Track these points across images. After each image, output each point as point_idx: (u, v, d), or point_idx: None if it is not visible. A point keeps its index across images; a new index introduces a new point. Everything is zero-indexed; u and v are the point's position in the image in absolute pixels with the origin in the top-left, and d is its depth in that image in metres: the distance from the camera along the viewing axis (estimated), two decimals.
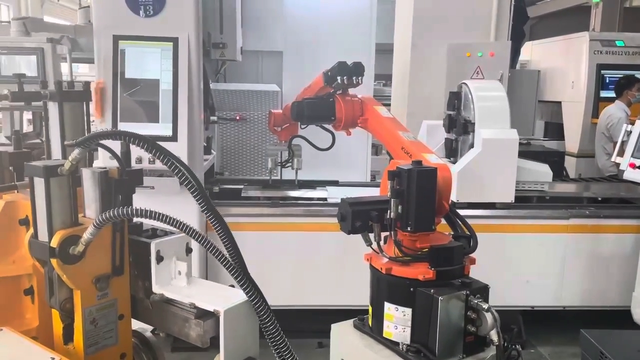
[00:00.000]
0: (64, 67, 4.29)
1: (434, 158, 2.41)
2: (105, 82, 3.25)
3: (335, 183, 4.61)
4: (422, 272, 1.96)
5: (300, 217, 3.79)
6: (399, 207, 1.95)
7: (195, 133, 3.44)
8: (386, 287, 2.08)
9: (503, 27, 4.74)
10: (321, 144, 3.86)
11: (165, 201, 2.76)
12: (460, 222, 2.25)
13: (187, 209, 2.81)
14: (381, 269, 2.02)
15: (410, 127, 4.48)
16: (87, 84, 1.58)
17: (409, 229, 1.96)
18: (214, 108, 4.57)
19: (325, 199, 4.02)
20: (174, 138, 3.31)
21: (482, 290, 1.99)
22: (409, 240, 2.01)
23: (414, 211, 1.95)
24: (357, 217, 2.00)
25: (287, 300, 3.68)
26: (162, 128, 3.32)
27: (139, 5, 3.28)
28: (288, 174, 4.17)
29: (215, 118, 4.49)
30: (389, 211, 1.95)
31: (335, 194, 4.04)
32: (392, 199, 1.94)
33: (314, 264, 3.77)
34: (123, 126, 3.22)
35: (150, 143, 1.33)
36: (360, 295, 2.43)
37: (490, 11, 4.75)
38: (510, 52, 4.51)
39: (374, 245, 2.03)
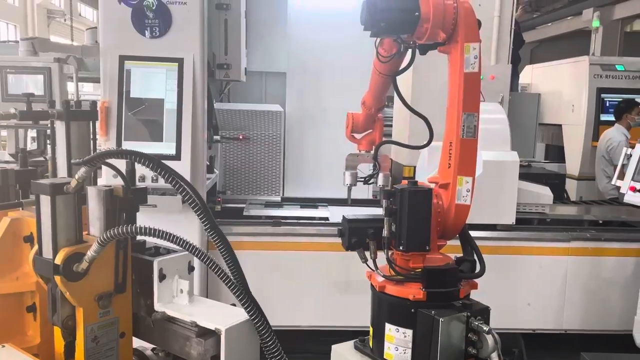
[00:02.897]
0: (70, 86, 4.36)
1: (468, 185, 2.09)
2: (110, 101, 3.29)
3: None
4: (413, 292, 1.96)
5: (302, 236, 3.80)
6: (392, 226, 1.96)
7: (199, 152, 3.47)
8: (387, 308, 2.08)
9: (503, 50, 4.80)
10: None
11: (167, 219, 2.78)
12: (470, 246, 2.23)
13: (189, 227, 2.84)
14: (376, 286, 2.03)
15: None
16: (94, 104, 1.61)
17: (401, 248, 1.98)
18: (217, 127, 4.62)
19: (327, 219, 4.03)
20: (177, 157, 3.34)
21: (483, 312, 1.99)
22: (402, 259, 2.02)
23: (406, 231, 1.96)
24: (354, 234, 2.03)
25: (288, 321, 3.67)
26: (165, 147, 3.35)
27: (145, 26, 3.34)
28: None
29: (218, 137, 4.54)
30: (383, 229, 1.97)
31: (337, 213, 4.05)
32: (386, 218, 1.96)
33: (315, 284, 3.76)
34: (127, 145, 3.26)
35: (155, 162, 1.36)
36: (361, 316, 2.43)
37: (491, 35, 4.81)
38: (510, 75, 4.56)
39: (370, 262, 2.05)
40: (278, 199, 4.62)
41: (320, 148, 4.90)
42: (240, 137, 4.85)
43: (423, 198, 1.99)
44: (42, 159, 4.71)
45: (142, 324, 1.54)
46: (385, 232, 1.96)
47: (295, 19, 4.99)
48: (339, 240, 3.92)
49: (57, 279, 1.31)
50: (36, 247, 1.38)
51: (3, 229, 1.51)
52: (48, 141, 4.30)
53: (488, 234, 3.67)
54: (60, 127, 1.56)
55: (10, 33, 18.72)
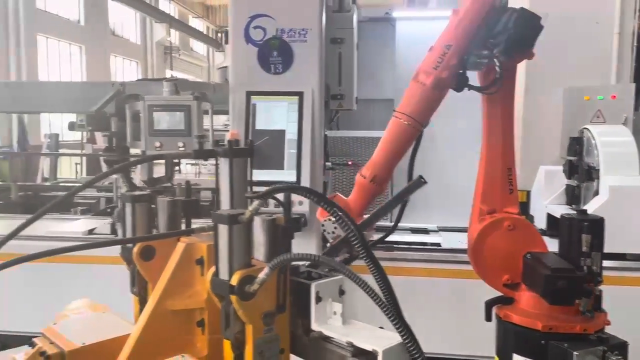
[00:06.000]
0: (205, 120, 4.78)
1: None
2: (238, 133, 3.59)
3: None
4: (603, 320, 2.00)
5: (415, 262, 3.83)
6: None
7: (317, 179, 3.66)
8: (514, 338, 2.08)
9: (625, 68, 4.61)
10: None
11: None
12: None
13: (307, 249, 2.97)
14: (501, 315, 2.01)
15: (524, 171, 4.42)
16: (251, 143, 1.81)
17: (599, 279, 1.96)
18: (327, 154, 4.82)
19: (439, 244, 4.04)
20: (297, 184, 3.55)
21: (621, 347, 1.91)
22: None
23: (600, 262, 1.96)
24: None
25: None
26: (286, 174, 3.58)
27: (269, 64, 3.62)
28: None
29: (329, 164, 4.73)
30: (589, 267, 1.93)
31: (449, 240, 4.06)
32: (594, 253, 1.93)
33: (429, 311, 3.77)
34: (253, 173, 3.51)
35: (315, 194, 1.53)
36: (483, 345, 2.42)
37: (610, 53, 4.63)
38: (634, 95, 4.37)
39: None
40: (388, 223, 4.70)
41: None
42: (350, 163, 5.02)
43: None
44: (169, 185, 5.15)
45: (298, 342, 1.68)
46: (595, 268, 1.91)
47: (402, 45, 5.12)
48: (452, 267, 3.89)
49: (233, 298, 1.48)
50: (212, 268, 1.58)
51: (179, 254, 1.74)
52: (176, 168, 4.71)
53: (616, 264, 3.50)
54: (224, 163, 1.77)
55: (132, 70, 20.67)
